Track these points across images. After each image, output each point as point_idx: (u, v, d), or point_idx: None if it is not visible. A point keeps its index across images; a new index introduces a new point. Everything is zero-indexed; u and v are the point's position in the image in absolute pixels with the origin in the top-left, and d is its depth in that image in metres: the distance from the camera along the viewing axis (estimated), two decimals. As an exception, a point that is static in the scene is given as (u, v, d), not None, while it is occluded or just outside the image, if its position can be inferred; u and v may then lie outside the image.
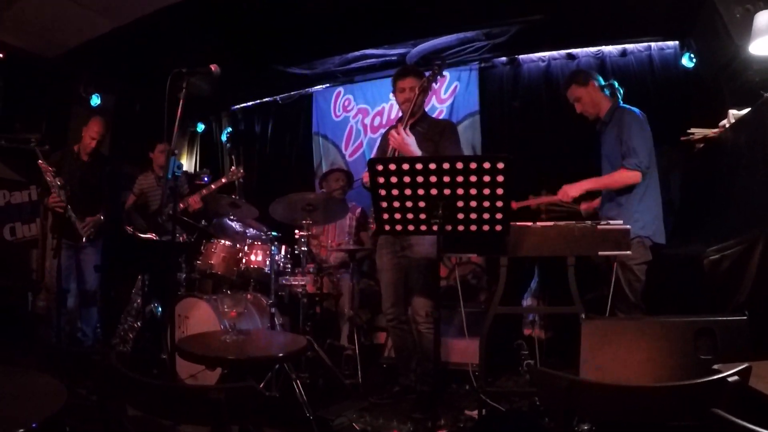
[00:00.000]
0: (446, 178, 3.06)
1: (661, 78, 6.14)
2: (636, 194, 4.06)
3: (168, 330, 3.49)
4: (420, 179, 3.08)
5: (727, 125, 4.12)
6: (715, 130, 4.28)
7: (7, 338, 5.68)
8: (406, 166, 3.08)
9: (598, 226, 3.64)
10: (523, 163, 5.69)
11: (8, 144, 6.47)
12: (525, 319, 5.21)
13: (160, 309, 5.51)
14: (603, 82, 4.45)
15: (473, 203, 3.13)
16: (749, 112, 3.79)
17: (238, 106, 8.92)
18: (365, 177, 4.41)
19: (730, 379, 1.72)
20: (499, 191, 3.07)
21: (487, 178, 3.04)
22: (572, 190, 4.13)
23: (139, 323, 5.46)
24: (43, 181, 5.50)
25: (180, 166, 3.86)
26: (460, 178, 3.05)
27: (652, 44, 6.24)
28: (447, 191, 3.09)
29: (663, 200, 4.27)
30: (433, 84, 4.30)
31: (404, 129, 4.08)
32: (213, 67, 3.75)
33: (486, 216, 3.17)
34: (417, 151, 4.02)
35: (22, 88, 6.71)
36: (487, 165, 3.01)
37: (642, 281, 3.95)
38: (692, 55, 5.68)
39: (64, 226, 5.40)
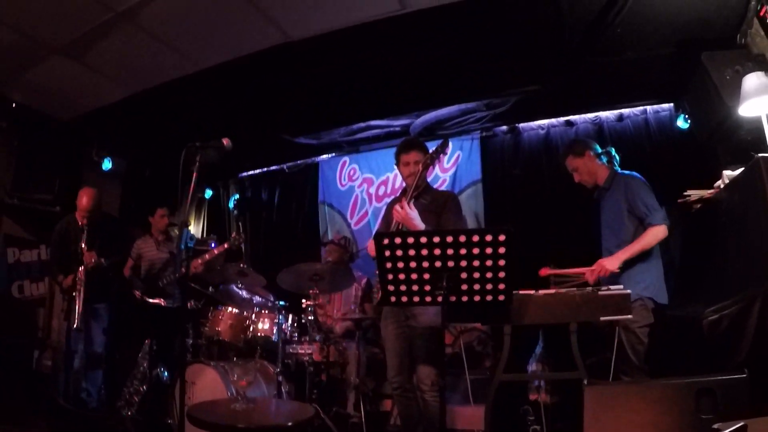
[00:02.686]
0: (450, 251, 3.16)
1: (658, 140, 6.28)
2: (638, 256, 4.13)
3: (178, 396, 3.52)
4: (424, 252, 3.19)
5: (722, 186, 4.18)
6: (711, 190, 4.32)
7: (12, 396, 5.69)
8: (411, 240, 3.19)
9: (600, 292, 3.65)
10: (525, 229, 5.80)
11: (21, 203, 6.61)
12: (531, 384, 5.17)
13: (166, 373, 5.53)
14: (599, 150, 4.58)
15: (476, 274, 3.22)
16: (742, 172, 3.82)
17: (245, 174, 9.07)
18: (369, 247, 4.51)
19: (726, 438, 1.77)
20: (501, 262, 3.17)
21: (489, 250, 3.14)
22: (610, 264, 4.11)
23: (144, 387, 5.46)
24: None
25: (192, 237, 3.96)
26: (463, 251, 3.15)
27: (648, 107, 6.42)
28: (451, 263, 3.19)
29: (663, 261, 4.33)
30: (437, 160, 4.37)
31: (408, 203, 4.15)
32: (225, 141, 3.88)
33: (489, 287, 3.26)
34: (420, 225, 4.07)
35: (36, 148, 6.81)
36: (489, 237, 3.12)
37: (645, 344, 3.98)
38: (686, 117, 5.83)
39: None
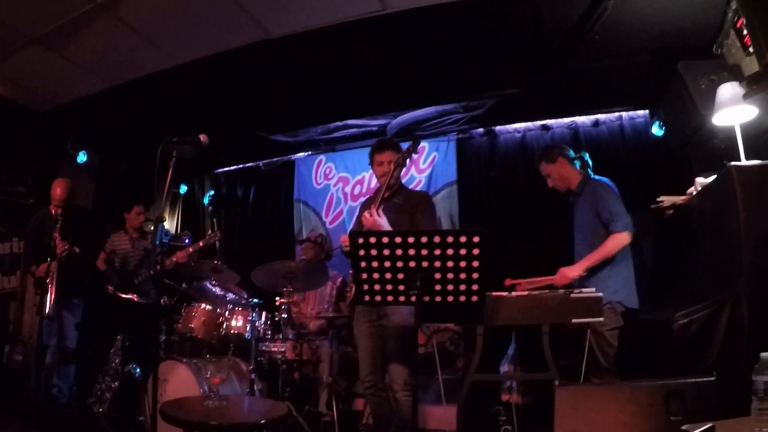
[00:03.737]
0: (424, 251, 3.18)
1: (633, 146, 6.37)
2: (608, 260, 4.20)
3: (150, 393, 3.51)
4: (399, 252, 3.20)
5: (695, 192, 4.23)
6: (683, 197, 4.38)
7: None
8: (386, 240, 3.21)
9: (571, 295, 3.73)
10: (499, 231, 5.85)
11: (-7, 195, 6.52)
12: (503, 385, 5.19)
13: (138, 370, 5.49)
14: (573, 155, 4.66)
15: (450, 275, 3.24)
16: (714, 180, 3.87)
17: (221, 170, 9.04)
18: (344, 241, 4.52)
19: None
20: (475, 263, 3.19)
21: (463, 251, 3.16)
22: (571, 272, 4.21)
23: (116, 383, 5.41)
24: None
25: (167, 233, 3.94)
26: (437, 251, 3.17)
27: (624, 114, 6.52)
28: (425, 264, 3.21)
29: (636, 265, 4.41)
30: (409, 159, 4.37)
31: (377, 208, 4.15)
32: (202, 137, 3.88)
33: (462, 287, 3.28)
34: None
35: (10, 140, 6.72)
36: (463, 239, 3.14)
37: (614, 346, 4.05)
38: (661, 124, 5.90)
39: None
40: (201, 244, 5.78)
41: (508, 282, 4.44)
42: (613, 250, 4.17)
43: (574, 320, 3.73)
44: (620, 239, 4.15)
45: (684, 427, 2.13)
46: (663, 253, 4.87)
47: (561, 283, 4.23)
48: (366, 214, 4.16)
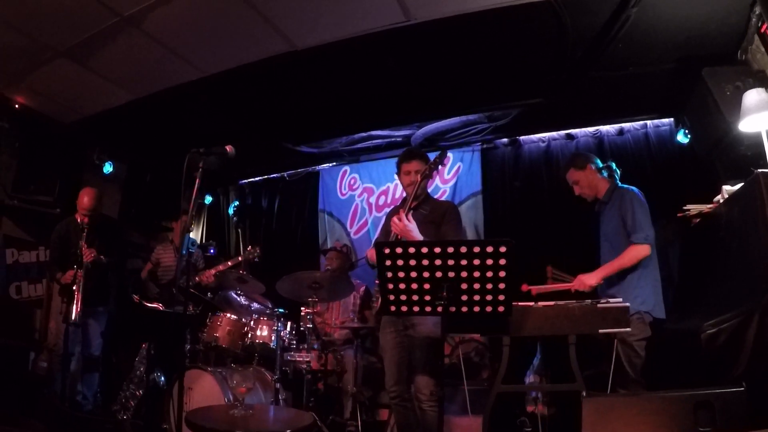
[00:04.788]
0: (450, 262, 3.17)
1: (658, 154, 6.30)
2: (635, 270, 4.16)
3: (176, 401, 3.52)
4: (425, 262, 3.20)
5: (721, 200, 4.21)
6: (710, 205, 4.36)
7: (7, 398, 5.68)
8: (412, 250, 3.21)
9: (598, 305, 3.69)
10: (524, 241, 5.82)
11: (21, 204, 6.62)
12: (528, 396, 5.17)
13: (163, 378, 5.53)
14: (601, 164, 4.63)
15: (476, 285, 3.23)
16: (741, 187, 3.87)
17: (246, 181, 9.10)
18: (369, 254, 4.53)
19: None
20: (502, 274, 3.18)
21: (489, 262, 3.14)
22: (589, 280, 4.18)
23: (141, 391, 5.47)
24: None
25: (194, 243, 3.97)
26: (464, 262, 3.15)
27: (648, 122, 6.45)
28: (451, 274, 3.20)
29: (662, 275, 4.35)
30: (435, 171, 4.40)
31: (406, 215, 4.16)
32: (229, 148, 3.88)
33: (489, 298, 3.26)
34: (418, 237, 4.08)
35: (38, 150, 6.83)
36: (490, 249, 3.13)
37: (642, 357, 4.00)
38: (687, 132, 5.85)
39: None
40: (240, 259, 5.79)
41: (525, 288, 4.43)
42: (629, 262, 4.14)
43: (601, 330, 3.69)
44: (639, 251, 4.11)
45: (712, 438, 2.11)
46: (690, 261, 4.83)
47: (579, 289, 4.21)
48: (395, 219, 4.17)
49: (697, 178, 5.53)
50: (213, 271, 5.77)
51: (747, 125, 4.09)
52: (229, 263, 5.80)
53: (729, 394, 2.78)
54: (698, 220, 4.53)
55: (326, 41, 5.23)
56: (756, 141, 4.04)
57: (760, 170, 3.43)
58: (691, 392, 2.85)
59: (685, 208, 4.58)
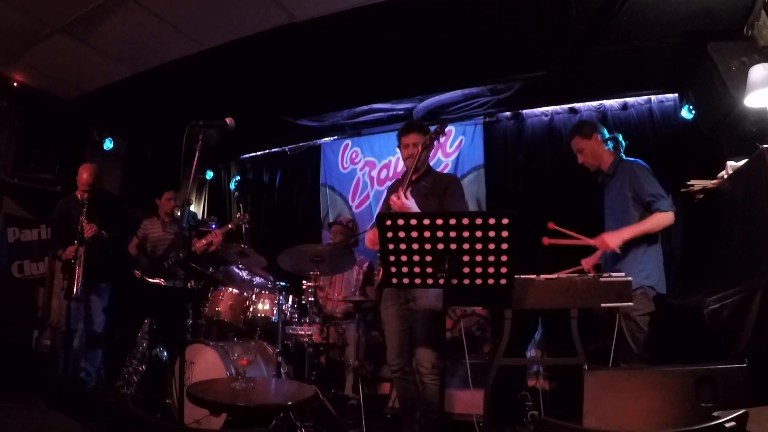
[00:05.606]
0: (452, 234, 3.14)
1: (661, 130, 6.26)
2: (639, 245, 4.13)
3: (177, 375, 3.52)
4: (427, 234, 3.18)
5: (725, 176, 4.19)
6: (714, 181, 4.33)
7: (11, 375, 5.71)
8: (414, 222, 3.18)
9: (601, 279, 3.65)
10: (526, 214, 5.79)
11: (21, 183, 6.63)
12: (529, 370, 5.19)
13: (165, 353, 5.54)
14: (607, 135, 4.57)
15: (478, 257, 3.21)
16: (745, 163, 3.84)
17: (247, 155, 9.10)
18: (367, 240, 4.52)
19: (727, 425, 1.77)
20: (504, 246, 3.16)
21: (492, 234, 3.12)
22: (612, 241, 4.09)
23: (143, 367, 5.50)
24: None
25: (194, 216, 3.94)
26: (466, 234, 3.13)
27: (652, 97, 6.40)
28: (453, 246, 3.18)
29: (664, 250, 4.33)
30: (436, 141, 4.34)
31: (405, 190, 4.12)
32: (228, 120, 3.87)
33: (491, 270, 3.25)
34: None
35: (37, 128, 6.82)
36: (492, 221, 3.10)
37: (645, 332, 3.98)
38: (691, 107, 5.80)
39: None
40: (230, 226, 5.85)
41: (546, 241, 4.46)
42: (654, 228, 4.10)
43: (603, 305, 3.67)
44: (665, 218, 4.07)
45: (715, 414, 2.09)
46: (693, 237, 4.80)
47: (600, 247, 4.19)
48: (393, 197, 4.14)
49: (701, 154, 5.47)
50: (203, 241, 5.77)
51: (752, 101, 4.07)
52: (219, 232, 5.85)
53: (731, 370, 2.79)
54: (702, 196, 4.50)
55: (326, 13, 5.17)
56: (761, 117, 4.03)
57: (764, 146, 3.39)
58: (693, 367, 2.86)
59: (688, 183, 4.55)
